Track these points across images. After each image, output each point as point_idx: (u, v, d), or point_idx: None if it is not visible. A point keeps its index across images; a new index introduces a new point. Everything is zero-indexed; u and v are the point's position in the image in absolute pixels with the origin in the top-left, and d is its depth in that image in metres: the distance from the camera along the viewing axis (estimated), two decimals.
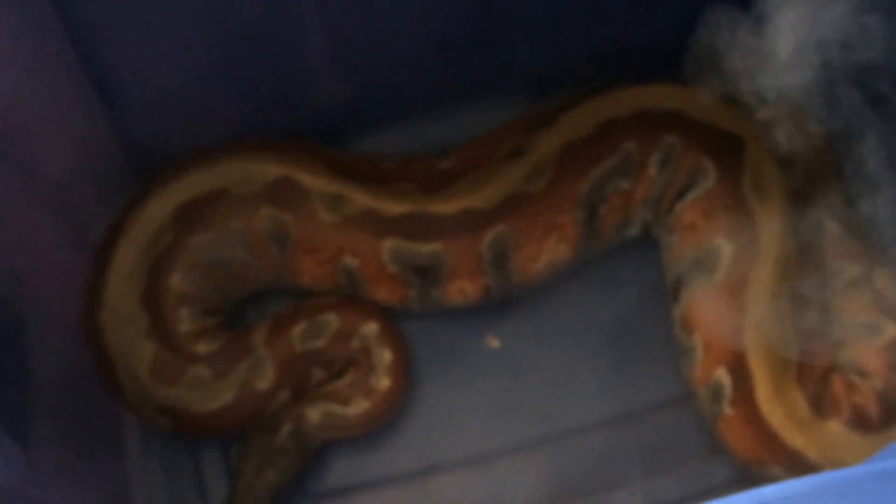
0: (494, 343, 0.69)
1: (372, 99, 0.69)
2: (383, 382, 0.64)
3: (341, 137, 0.71)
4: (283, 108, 0.67)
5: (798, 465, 0.59)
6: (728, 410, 0.61)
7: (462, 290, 0.65)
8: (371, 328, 0.65)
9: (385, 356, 0.65)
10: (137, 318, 0.62)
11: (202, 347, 0.63)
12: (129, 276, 0.63)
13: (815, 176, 0.65)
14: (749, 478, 0.63)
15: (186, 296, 0.64)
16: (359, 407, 0.64)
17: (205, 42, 0.60)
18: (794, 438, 0.58)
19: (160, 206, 0.63)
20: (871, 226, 0.65)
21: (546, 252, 0.65)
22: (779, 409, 0.58)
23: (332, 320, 0.65)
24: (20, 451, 0.50)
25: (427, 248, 0.63)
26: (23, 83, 0.57)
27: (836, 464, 0.58)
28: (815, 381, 0.60)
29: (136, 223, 0.63)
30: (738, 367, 0.60)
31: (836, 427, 0.58)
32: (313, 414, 0.63)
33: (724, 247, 0.62)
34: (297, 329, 0.64)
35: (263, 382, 0.63)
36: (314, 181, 0.63)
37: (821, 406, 0.59)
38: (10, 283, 0.54)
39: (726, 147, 0.63)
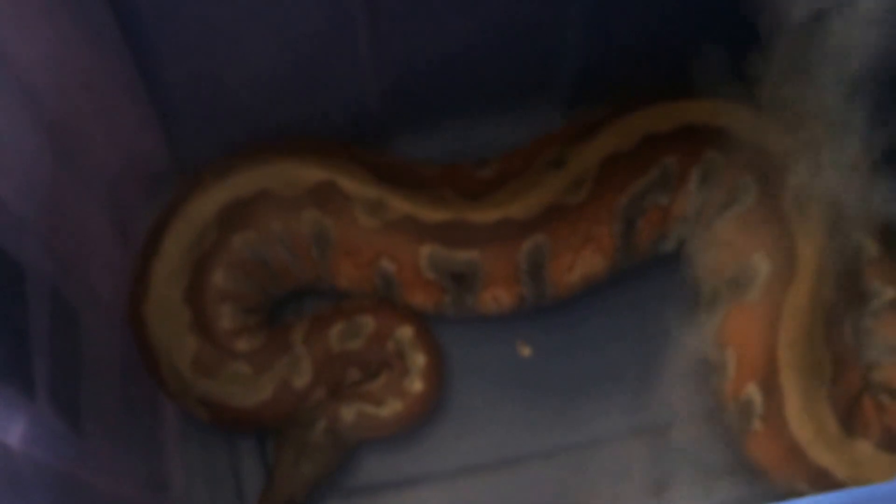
0: (525, 351, 0.70)
1: (415, 103, 0.70)
2: (416, 385, 0.65)
3: (384, 140, 0.72)
4: (327, 110, 0.68)
5: (825, 483, 0.59)
6: (757, 426, 0.61)
7: (496, 297, 0.66)
8: (406, 332, 0.66)
9: (419, 360, 0.66)
10: (181, 313, 0.64)
11: (242, 344, 0.65)
12: (173, 272, 0.64)
13: (857, 197, 0.65)
14: (774, 494, 0.63)
15: (228, 293, 0.65)
16: (391, 408, 0.65)
17: (253, 44, 0.61)
18: (823, 456, 0.59)
19: (205, 205, 0.65)
20: None
21: (581, 263, 0.65)
22: (808, 427, 0.59)
23: (369, 322, 0.66)
24: (73, 434, 0.52)
25: (464, 256, 0.64)
26: (77, 85, 0.58)
27: (863, 483, 0.58)
28: (847, 400, 0.60)
29: (181, 221, 0.65)
30: (770, 384, 0.60)
31: (865, 447, 0.59)
32: (347, 413, 0.64)
33: (762, 264, 0.62)
34: (335, 329, 0.66)
35: (301, 380, 0.64)
36: (355, 186, 0.64)
37: (851, 425, 0.59)
38: (64, 275, 0.56)
39: (768, 165, 0.64)
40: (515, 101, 0.72)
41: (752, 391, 0.61)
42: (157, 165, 0.69)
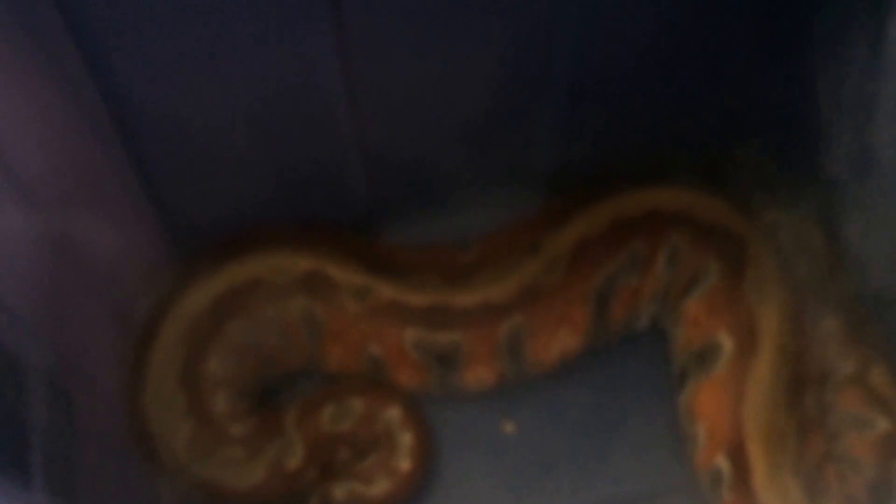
0: (509, 428, 0.71)
1: (398, 191, 0.73)
2: (404, 464, 0.67)
3: (369, 225, 0.74)
4: (315, 196, 0.71)
5: None
6: (727, 495, 0.63)
7: (478, 375, 0.68)
8: (394, 412, 0.68)
9: (406, 439, 0.68)
10: (176, 399, 0.66)
11: (236, 427, 0.67)
12: (169, 360, 0.66)
13: (815, 276, 0.68)
14: None
15: (222, 379, 0.67)
16: (380, 487, 0.67)
17: (241, 133, 0.63)
18: None
19: (199, 295, 0.67)
20: (868, 325, 0.68)
21: (558, 342, 0.68)
22: (774, 496, 0.61)
23: (358, 404, 0.68)
24: None
25: (447, 338, 0.66)
26: (72, 179, 0.60)
27: None
28: (810, 469, 0.62)
29: (176, 311, 0.67)
30: (737, 455, 0.63)
31: None
32: (338, 491, 0.67)
33: (726, 341, 0.65)
34: (326, 412, 0.68)
35: (293, 462, 0.66)
36: (343, 274, 0.67)
37: (814, 494, 0.61)
38: (61, 365, 0.57)
39: (730, 247, 0.67)
40: (496, 189, 0.74)
41: (721, 462, 0.64)
42: (154, 254, 0.70)
